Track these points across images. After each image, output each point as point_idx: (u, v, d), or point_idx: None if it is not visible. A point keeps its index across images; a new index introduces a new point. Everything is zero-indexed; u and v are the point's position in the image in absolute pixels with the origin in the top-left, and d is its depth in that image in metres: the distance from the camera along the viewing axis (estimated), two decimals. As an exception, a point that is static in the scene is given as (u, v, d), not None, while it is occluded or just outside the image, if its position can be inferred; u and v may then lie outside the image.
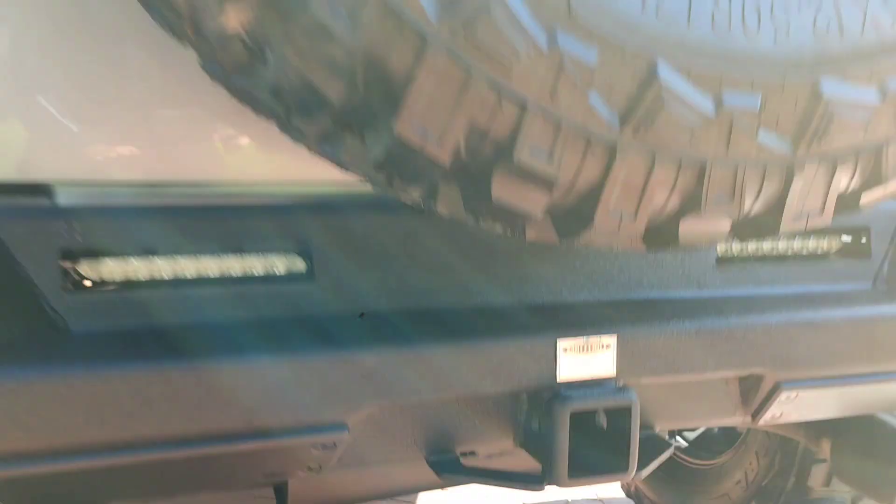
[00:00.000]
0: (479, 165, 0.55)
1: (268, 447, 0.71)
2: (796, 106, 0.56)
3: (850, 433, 1.01)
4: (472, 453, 0.81)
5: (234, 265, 0.78)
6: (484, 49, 0.49)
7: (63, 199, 0.78)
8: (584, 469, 0.76)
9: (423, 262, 0.77)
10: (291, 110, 0.58)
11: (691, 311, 0.78)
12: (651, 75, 0.52)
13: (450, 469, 0.79)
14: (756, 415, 0.84)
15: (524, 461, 0.81)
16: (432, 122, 0.52)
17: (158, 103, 0.76)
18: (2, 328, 0.69)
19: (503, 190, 0.56)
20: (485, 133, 0.53)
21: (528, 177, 0.55)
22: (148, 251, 0.75)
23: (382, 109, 0.53)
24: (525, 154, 0.53)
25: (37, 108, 0.72)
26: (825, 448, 1.03)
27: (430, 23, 0.48)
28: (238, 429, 0.69)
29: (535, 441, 0.77)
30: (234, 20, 0.52)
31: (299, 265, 0.77)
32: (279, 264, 0.78)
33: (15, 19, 0.71)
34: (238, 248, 0.76)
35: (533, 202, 0.57)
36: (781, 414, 0.86)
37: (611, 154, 0.55)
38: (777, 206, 0.60)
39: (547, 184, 0.56)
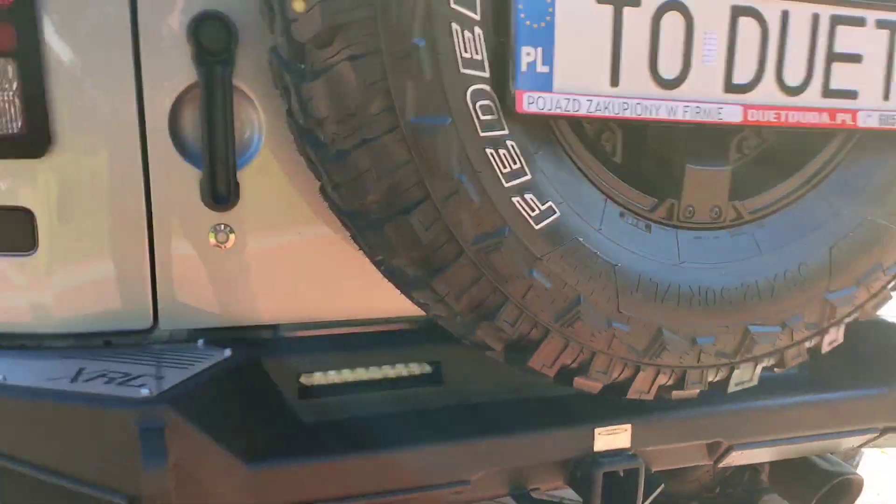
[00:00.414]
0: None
1: (426, 495, 1.19)
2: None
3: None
4: (537, 489, 1.31)
5: (395, 372, 1.26)
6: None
7: (285, 332, 1.26)
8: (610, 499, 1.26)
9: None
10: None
11: (677, 406, 1.26)
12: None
13: (525, 500, 1.29)
14: (717, 462, 1.34)
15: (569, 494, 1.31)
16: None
17: (346, 273, 1.22)
18: (266, 423, 1.17)
19: (485, 336, 1.02)
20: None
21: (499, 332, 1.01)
22: (341, 366, 1.23)
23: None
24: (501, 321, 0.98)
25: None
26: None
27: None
28: (409, 485, 1.18)
29: (581, 484, 1.26)
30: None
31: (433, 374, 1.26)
32: (418, 371, 1.27)
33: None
34: (396, 361, 1.25)
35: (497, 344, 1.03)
36: (734, 460, 1.35)
37: (545, 333, 0.99)
38: (725, 383, 1.08)
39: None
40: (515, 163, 0.89)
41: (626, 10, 0.90)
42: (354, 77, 0.85)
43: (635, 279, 0.97)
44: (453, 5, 0.83)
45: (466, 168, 0.86)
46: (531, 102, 0.87)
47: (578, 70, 0.89)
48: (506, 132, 0.88)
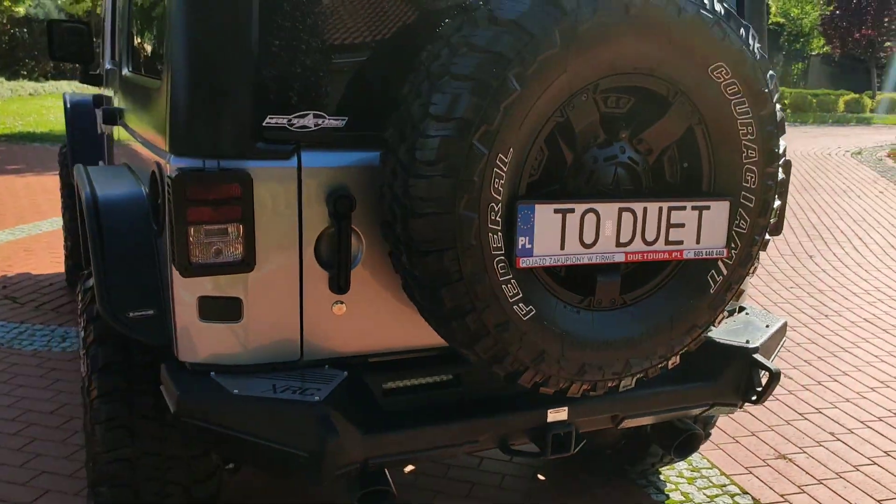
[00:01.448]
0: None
1: (453, 449, 2.16)
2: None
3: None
4: (514, 444, 2.28)
5: (433, 379, 2.22)
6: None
7: (372, 358, 2.20)
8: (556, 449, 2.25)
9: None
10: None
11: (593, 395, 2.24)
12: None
13: (506, 450, 2.27)
14: (617, 426, 2.33)
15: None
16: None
17: (406, 326, 2.17)
18: (368, 411, 2.10)
19: (497, 369, 1.97)
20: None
21: (504, 367, 1.95)
22: (403, 377, 2.19)
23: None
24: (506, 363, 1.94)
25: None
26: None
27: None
28: (444, 444, 2.14)
29: (539, 441, 2.23)
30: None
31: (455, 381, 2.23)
32: (446, 379, 2.23)
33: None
34: (433, 374, 2.21)
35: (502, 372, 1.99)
36: (626, 425, 2.36)
37: (526, 368, 1.96)
38: (617, 386, 2.07)
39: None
40: (516, 290, 1.84)
41: (568, 215, 1.86)
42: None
43: (571, 338, 1.94)
44: (491, 225, 1.77)
45: (493, 293, 1.81)
46: (524, 263, 1.84)
47: (545, 245, 1.85)
48: (511, 276, 1.83)
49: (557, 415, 2.20)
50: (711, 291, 2.06)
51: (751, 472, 3.36)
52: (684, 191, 2.02)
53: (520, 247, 1.83)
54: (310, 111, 1.99)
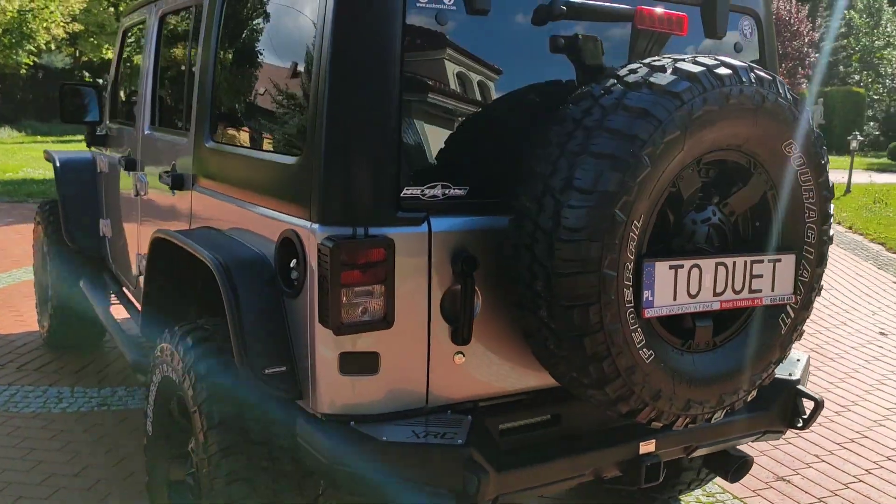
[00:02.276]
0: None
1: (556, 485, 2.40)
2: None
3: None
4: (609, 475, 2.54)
5: (539, 419, 2.46)
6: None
7: (487, 402, 2.42)
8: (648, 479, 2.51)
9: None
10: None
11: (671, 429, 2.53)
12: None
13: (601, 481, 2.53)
14: (689, 454, 2.63)
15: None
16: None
17: (517, 371, 2.41)
18: (490, 449, 2.31)
19: (621, 408, 2.25)
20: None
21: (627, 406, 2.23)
22: (515, 418, 2.42)
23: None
24: (630, 402, 2.22)
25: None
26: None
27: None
28: (552, 480, 2.38)
29: (632, 471, 2.50)
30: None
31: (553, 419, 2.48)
32: (549, 418, 2.48)
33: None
34: (537, 415, 2.45)
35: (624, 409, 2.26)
36: (697, 453, 2.65)
37: (645, 405, 2.25)
38: (711, 419, 2.36)
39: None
40: (641, 337, 2.12)
41: (678, 270, 2.16)
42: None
43: (679, 377, 2.22)
44: (625, 281, 2.05)
45: (626, 341, 2.08)
46: (648, 313, 2.12)
47: (663, 297, 2.14)
48: (638, 325, 2.11)
49: (647, 447, 2.48)
50: (782, 332, 2.40)
51: (759, 495, 3.72)
52: (757, 247, 2.35)
53: (645, 299, 2.11)
54: (438, 182, 2.24)
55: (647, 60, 2.18)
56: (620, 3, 2.42)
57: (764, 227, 2.36)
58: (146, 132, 3.58)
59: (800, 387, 2.73)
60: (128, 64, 4.46)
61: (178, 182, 3.06)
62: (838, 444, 4.31)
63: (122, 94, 4.47)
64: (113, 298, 4.67)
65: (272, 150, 2.52)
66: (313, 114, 2.18)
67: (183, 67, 3.27)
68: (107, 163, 4.47)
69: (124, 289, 4.38)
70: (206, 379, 2.48)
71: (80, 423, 4.38)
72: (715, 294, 2.25)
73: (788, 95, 2.23)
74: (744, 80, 2.11)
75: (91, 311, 5.16)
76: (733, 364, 2.33)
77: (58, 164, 4.99)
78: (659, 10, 2.38)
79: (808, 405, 2.75)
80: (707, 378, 2.28)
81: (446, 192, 2.25)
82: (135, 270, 3.82)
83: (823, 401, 2.71)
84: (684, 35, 2.45)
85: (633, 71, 2.13)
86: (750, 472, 2.82)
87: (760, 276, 2.32)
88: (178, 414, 2.85)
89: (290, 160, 2.32)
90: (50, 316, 5.24)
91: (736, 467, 2.78)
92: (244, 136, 2.72)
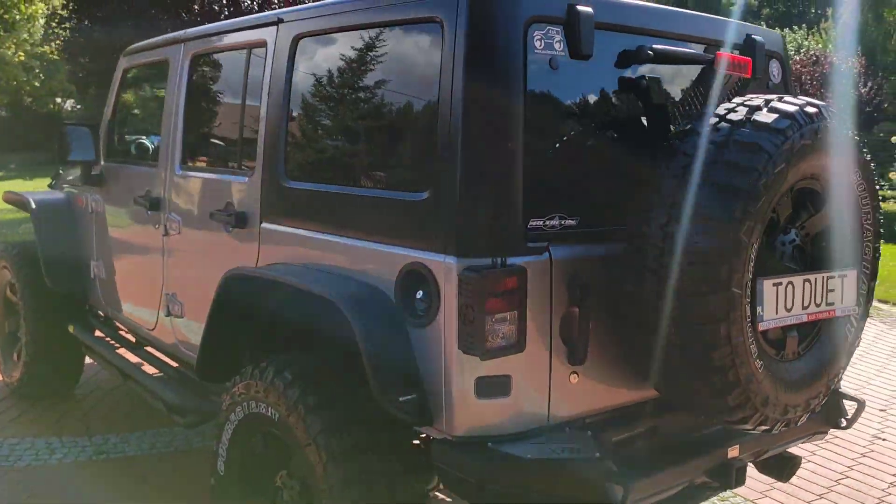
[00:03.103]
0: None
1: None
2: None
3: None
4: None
5: (636, 434, 2.65)
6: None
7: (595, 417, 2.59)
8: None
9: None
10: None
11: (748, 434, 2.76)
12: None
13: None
14: (759, 457, 2.87)
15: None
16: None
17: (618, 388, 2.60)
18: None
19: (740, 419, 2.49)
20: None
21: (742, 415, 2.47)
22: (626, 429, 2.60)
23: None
24: (745, 411, 2.46)
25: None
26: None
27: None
28: (663, 487, 2.56)
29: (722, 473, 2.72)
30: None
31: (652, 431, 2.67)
32: (645, 430, 2.67)
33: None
34: (634, 428, 2.64)
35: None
36: (766, 455, 2.90)
37: (757, 413, 2.49)
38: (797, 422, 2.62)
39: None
40: (756, 349, 2.34)
41: (779, 287, 2.41)
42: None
43: (779, 385, 2.46)
44: (746, 299, 2.27)
45: (747, 352, 2.30)
46: (761, 326, 2.35)
47: (769, 311, 2.38)
48: (753, 338, 2.34)
49: (734, 452, 2.70)
50: (847, 341, 2.68)
51: (766, 496, 4.02)
52: (823, 264, 2.63)
53: (758, 314, 2.34)
54: (556, 213, 2.41)
55: (738, 101, 2.43)
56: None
57: (832, 246, 2.64)
58: (178, 172, 3.57)
59: (841, 390, 3.03)
60: (138, 103, 4.41)
61: (240, 220, 3.09)
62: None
63: (119, 133, 4.41)
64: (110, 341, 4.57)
65: (384, 187, 2.61)
66: (445, 155, 2.30)
67: (236, 108, 3.31)
68: (101, 203, 4.39)
69: (123, 332, 4.31)
70: (318, 411, 2.53)
71: (84, 474, 4.26)
72: (803, 307, 2.51)
73: (853, 131, 2.53)
74: (826, 117, 2.39)
75: (72, 357, 5.01)
76: (814, 371, 2.60)
77: (33, 206, 4.84)
78: (732, 54, 2.65)
79: (850, 407, 3.05)
80: (797, 384, 2.53)
81: (562, 222, 2.42)
82: (160, 311, 3.77)
83: (864, 401, 3.01)
84: (749, 77, 2.72)
85: (733, 110, 2.37)
86: (752, 476, 3.06)
87: (833, 290, 2.60)
88: (262, 449, 2.87)
89: (413, 197, 2.42)
90: (25, 364, 5.03)
91: (790, 467, 3.05)
92: (339, 175, 2.79)
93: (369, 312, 2.44)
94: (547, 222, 2.39)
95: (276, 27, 3.03)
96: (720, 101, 2.61)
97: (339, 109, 2.81)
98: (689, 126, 2.41)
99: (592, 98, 2.52)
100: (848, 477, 4.26)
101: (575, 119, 2.49)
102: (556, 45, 2.40)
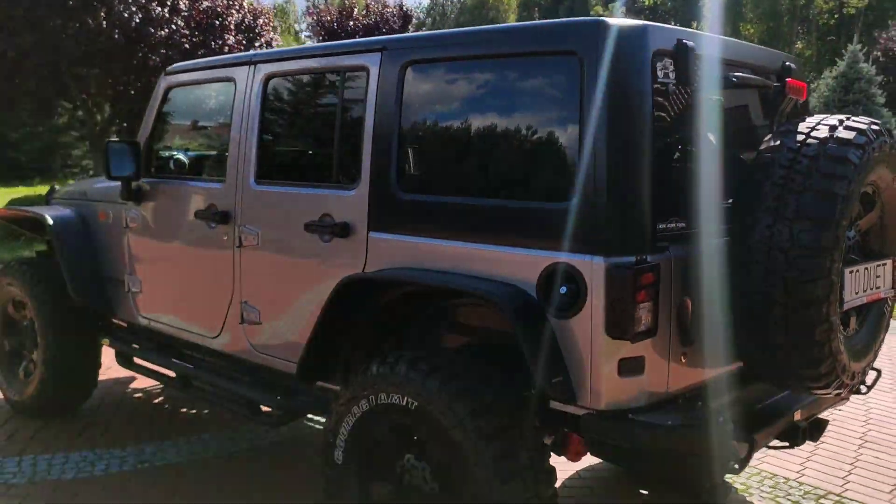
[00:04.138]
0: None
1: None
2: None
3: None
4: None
5: None
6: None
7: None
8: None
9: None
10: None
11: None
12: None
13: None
14: (811, 419, 3.39)
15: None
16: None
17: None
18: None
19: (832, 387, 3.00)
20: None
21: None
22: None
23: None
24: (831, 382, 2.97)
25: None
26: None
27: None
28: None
29: (793, 434, 3.21)
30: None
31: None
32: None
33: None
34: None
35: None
36: (812, 418, 3.42)
37: (837, 380, 3.00)
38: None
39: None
40: (839, 325, 2.84)
41: (850, 274, 2.92)
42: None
43: (850, 355, 2.96)
44: (840, 291, 2.77)
45: (837, 328, 2.79)
46: (844, 307, 2.86)
47: (847, 294, 2.89)
48: (838, 317, 2.84)
49: (798, 415, 3.20)
50: (886, 319, 3.24)
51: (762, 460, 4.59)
52: (873, 255, 3.16)
53: (842, 297, 2.84)
54: (673, 218, 2.84)
55: (815, 120, 2.92)
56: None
57: (874, 239, 3.18)
58: (253, 187, 3.78)
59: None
60: (185, 121, 4.54)
61: (343, 230, 3.36)
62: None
63: (162, 150, 4.54)
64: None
65: (521, 199, 2.94)
66: (591, 170, 2.68)
67: (329, 126, 3.57)
68: (140, 218, 4.50)
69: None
70: (463, 398, 2.85)
71: (137, 482, 4.36)
72: (864, 291, 3.04)
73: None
74: (883, 133, 2.92)
75: (88, 371, 5.07)
76: (867, 343, 3.13)
77: (51, 223, 4.88)
78: (795, 80, 3.16)
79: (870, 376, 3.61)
80: (858, 354, 3.05)
81: (676, 225, 2.85)
82: (228, 318, 3.96)
83: (881, 370, 3.59)
84: (804, 99, 3.25)
85: (815, 128, 2.86)
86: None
87: (879, 276, 3.14)
88: (385, 437, 3.15)
89: (557, 207, 2.78)
90: (42, 381, 5.02)
91: (821, 429, 3.57)
92: (468, 189, 3.09)
93: (522, 308, 2.78)
94: (667, 226, 2.81)
95: (379, 54, 3.32)
96: (780, 120, 3.12)
97: (466, 130, 3.11)
98: (778, 142, 2.88)
99: (693, 119, 2.95)
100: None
101: (681, 137, 2.91)
102: (670, 74, 2.83)
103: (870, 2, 42.39)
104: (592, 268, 2.68)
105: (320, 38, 23.54)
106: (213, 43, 14.99)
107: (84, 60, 14.21)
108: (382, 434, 3.17)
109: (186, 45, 14.47)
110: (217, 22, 14.99)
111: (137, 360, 4.76)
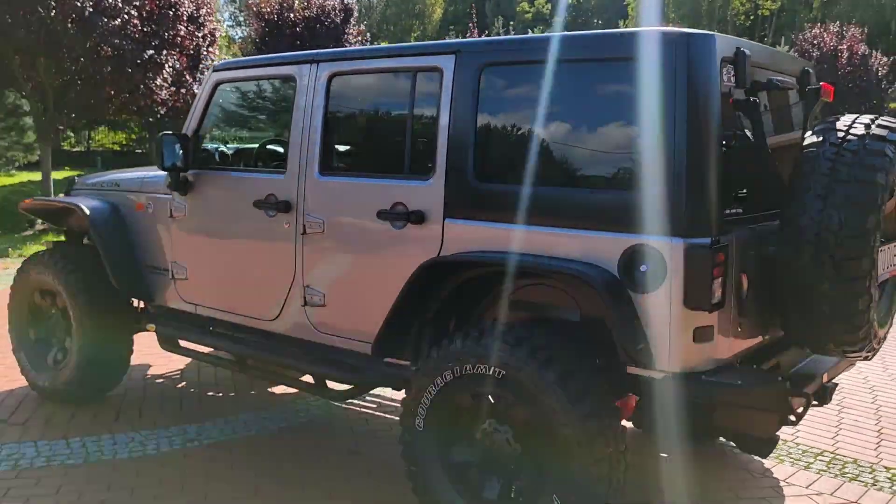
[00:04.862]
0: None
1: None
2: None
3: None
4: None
5: None
6: None
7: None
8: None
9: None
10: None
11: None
12: None
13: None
14: (827, 383, 3.87)
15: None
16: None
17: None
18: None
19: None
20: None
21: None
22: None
23: None
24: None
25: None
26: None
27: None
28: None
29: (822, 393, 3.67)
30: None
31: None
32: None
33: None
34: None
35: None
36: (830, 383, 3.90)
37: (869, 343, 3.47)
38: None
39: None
40: (875, 297, 3.30)
41: (882, 252, 3.39)
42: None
43: (877, 322, 3.43)
44: (877, 266, 3.22)
45: (873, 299, 3.24)
46: (878, 280, 3.32)
47: (880, 270, 3.35)
48: (873, 289, 3.29)
49: (825, 378, 3.66)
50: (897, 292, 3.74)
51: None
52: (886, 237, 3.64)
53: (876, 272, 3.30)
54: (734, 205, 3.25)
55: (849, 119, 3.36)
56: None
57: (891, 223, 3.66)
58: (319, 178, 4.05)
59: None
60: (237, 115, 4.73)
61: (418, 217, 3.66)
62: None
63: (211, 142, 4.74)
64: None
65: (604, 188, 3.30)
66: (671, 161, 3.06)
67: (401, 122, 3.87)
68: (186, 207, 4.69)
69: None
70: (551, 365, 3.21)
71: (199, 458, 4.55)
72: (887, 268, 3.51)
73: None
74: (904, 130, 3.40)
75: (122, 356, 5.24)
76: (886, 313, 3.61)
77: (88, 213, 5.02)
78: (826, 84, 3.62)
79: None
80: (881, 322, 3.53)
81: (737, 211, 3.26)
82: (289, 301, 4.21)
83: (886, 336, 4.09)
84: (831, 100, 3.70)
85: (852, 126, 3.31)
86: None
87: (895, 255, 3.63)
88: (468, 404, 3.48)
89: (639, 194, 3.15)
90: (78, 367, 5.15)
91: (832, 391, 4.04)
92: (549, 179, 3.42)
93: (611, 285, 3.15)
94: (730, 211, 3.22)
95: (454, 56, 3.64)
96: (813, 118, 3.57)
97: (547, 127, 3.44)
98: (821, 138, 3.32)
99: (747, 118, 3.37)
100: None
101: (738, 134, 3.32)
102: (731, 79, 3.24)
103: (782, 4, 44.47)
104: (672, 248, 3.06)
105: (259, 28, 23.42)
106: (165, 33, 14.87)
107: (32, 48, 13.94)
108: (464, 401, 3.49)
109: (137, 35, 14.32)
110: (171, 12, 14.86)
111: (184, 344, 4.94)
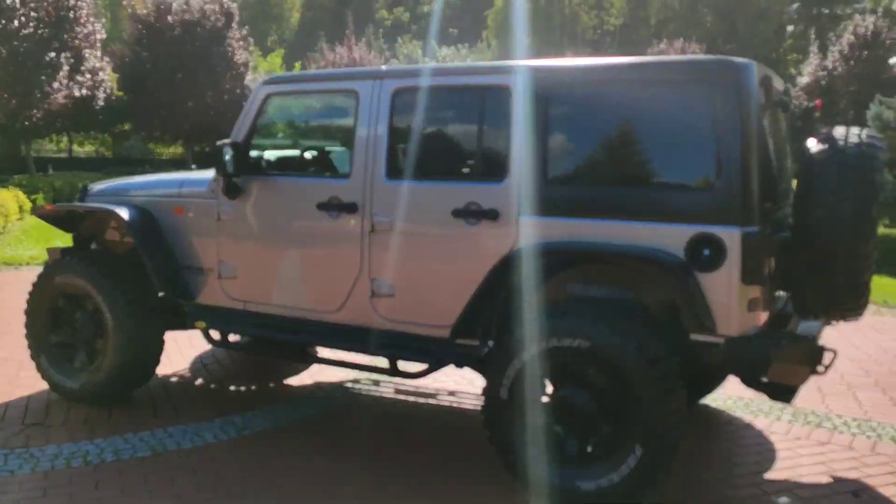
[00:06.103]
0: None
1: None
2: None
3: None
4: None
5: None
6: None
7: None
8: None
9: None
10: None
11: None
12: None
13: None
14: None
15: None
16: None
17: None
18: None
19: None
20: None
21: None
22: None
23: None
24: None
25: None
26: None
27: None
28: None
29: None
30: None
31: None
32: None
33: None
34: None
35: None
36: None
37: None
38: None
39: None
40: (872, 266, 4.17)
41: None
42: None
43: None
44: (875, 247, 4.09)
45: (870, 271, 4.11)
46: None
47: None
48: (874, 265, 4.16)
49: (820, 341, 4.52)
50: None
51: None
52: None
53: (875, 251, 4.17)
54: (768, 200, 4.04)
55: (842, 130, 4.23)
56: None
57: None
58: (385, 182, 4.54)
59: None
60: (305, 126, 5.09)
61: (492, 215, 4.25)
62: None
63: (263, 150, 5.11)
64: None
65: (668, 187, 4.00)
66: (727, 165, 3.79)
67: (471, 132, 4.42)
68: (234, 210, 5.04)
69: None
70: (631, 335, 3.88)
71: (264, 444, 4.90)
72: (870, 248, 4.41)
73: None
74: (881, 145, 4.29)
75: (154, 356, 5.50)
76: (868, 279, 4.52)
77: (126, 218, 5.26)
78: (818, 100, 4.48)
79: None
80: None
81: (768, 204, 4.06)
82: (355, 294, 4.67)
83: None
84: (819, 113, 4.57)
85: (848, 136, 4.16)
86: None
87: (872, 238, 4.54)
88: (553, 372, 4.09)
89: (703, 192, 3.87)
90: (115, 368, 5.33)
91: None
92: (615, 179, 4.09)
93: (682, 267, 3.85)
94: (766, 206, 4.00)
95: (520, 76, 4.24)
96: (809, 129, 4.43)
97: (613, 137, 4.11)
98: (826, 145, 4.15)
99: (771, 129, 4.16)
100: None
101: (766, 142, 4.11)
102: (762, 98, 4.02)
103: (624, 20, 47.54)
104: (731, 235, 3.80)
105: (136, 31, 22.91)
106: (64, 35, 14.50)
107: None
108: (548, 371, 4.09)
109: (36, 38, 13.92)
110: (72, 14, 14.51)
111: (232, 338, 5.26)
